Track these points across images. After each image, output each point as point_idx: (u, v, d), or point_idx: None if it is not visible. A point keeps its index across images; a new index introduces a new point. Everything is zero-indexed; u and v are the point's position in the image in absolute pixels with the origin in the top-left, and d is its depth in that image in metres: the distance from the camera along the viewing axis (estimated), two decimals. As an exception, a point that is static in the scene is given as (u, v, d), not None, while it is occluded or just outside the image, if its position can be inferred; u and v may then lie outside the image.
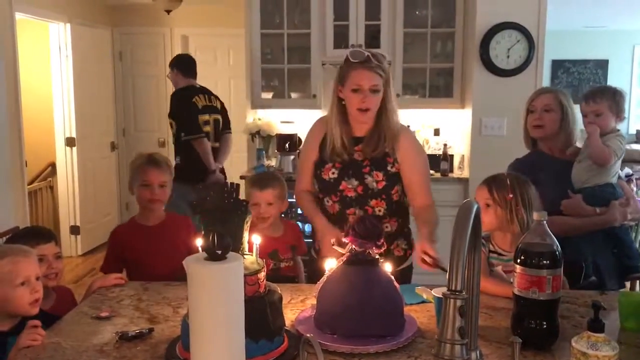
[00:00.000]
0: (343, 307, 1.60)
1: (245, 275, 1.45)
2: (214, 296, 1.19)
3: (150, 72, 6.61)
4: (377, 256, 1.67)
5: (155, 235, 2.48)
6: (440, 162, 4.66)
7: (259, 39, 4.78)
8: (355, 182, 2.26)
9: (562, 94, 2.58)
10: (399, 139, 2.26)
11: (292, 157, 4.77)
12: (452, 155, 4.79)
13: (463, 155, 4.73)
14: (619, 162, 2.42)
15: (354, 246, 1.66)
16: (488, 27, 4.37)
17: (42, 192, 5.77)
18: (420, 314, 1.81)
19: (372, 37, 4.71)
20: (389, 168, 2.26)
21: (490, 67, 4.39)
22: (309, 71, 4.79)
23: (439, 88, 4.87)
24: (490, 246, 2.09)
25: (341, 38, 4.72)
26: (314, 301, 1.78)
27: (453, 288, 0.97)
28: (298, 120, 4.96)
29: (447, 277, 0.98)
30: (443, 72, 4.85)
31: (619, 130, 2.44)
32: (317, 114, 5.01)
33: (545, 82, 8.90)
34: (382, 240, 1.65)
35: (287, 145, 4.78)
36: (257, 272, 1.51)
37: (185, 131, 4.48)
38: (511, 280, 2.00)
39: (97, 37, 6.21)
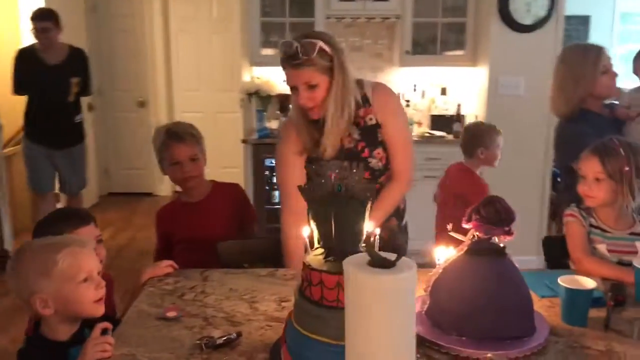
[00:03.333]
0: (473, 306, 1.37)
1: None
2: (384, 313, 0.95)
3: (128, 26, 6.13)
4: (501, 244, 1.45)
5: (203, 211, 2.26)
6: (453, 123, 4.45)
7: (258, -11, 4.41)
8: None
9: None
10: (374, 98, 1.98)
11: (295, 118, 4.47)
12: (463, 116, 4.58)
13: (476, 116, 4.52)
14: None
15: (477, 233, 1.42)
16: (507, -21, 4.12)
17: (17, 157, 5.31)
18: (535, 306, 1.60)
19: (381, -12, 4.40)
20: (379, 138, 2.01)
21: (509, 21, 4.14)
22: (312, 26, 4.44)
23: (449, 44, 4.62)
24: (592, 220, 1.89)
25: (348, -11, 4.39)
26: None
27: None
28: (301, 79, 4.64)
29: None
30: (454, 27, 4.59)
31: None
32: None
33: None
34: (511, 226, 1.42)
35: (290, 106, 4.46)
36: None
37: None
38: (615, 261, 1.84)
39: (68, -13, 5.67)
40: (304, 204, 1.97)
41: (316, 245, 1.32)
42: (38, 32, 4.10)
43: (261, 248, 2.19)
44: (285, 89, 4.55)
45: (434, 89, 4.75)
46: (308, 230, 1.32)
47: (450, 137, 4.42)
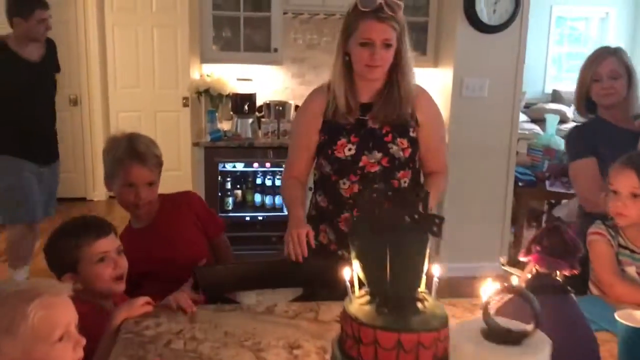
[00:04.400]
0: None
1: (424, 331, 0.97)
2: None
3: (58, 16, 5.54)
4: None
5: (159, 232, 1.97)
6: (416, 126, 4.27)
7: (208, -21, 4.07)
8: (379, 155, 1.94)
9: (625, 54, 2.31)
10: (418, 99, 2.00)
11: (250, 120, 4.17)
12: (422, 118, 4.41)
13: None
14: None
15: (536, 266, 1.21)
16: (472, -22, 3.98)
17: None
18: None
19: (340, -17, 4.16)
20: (411, 133, 1.97)
21: (475, 22, 4.01)
22: (268, 21, 4.16)
23: (411, 44, 4.43)
24: (621, 240, 1.73)
25: (304, -17, 4.13)
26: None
27: None
28: (256, 78, 4.34)
29: None
30: (416, 27, 4.41)
31: None
32: (278, 71, 4.46)
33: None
34: (577, 259, 1.21)
35: (245, 106, 4.16)
36: (443, 326, 1.01)
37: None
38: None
39: (-10, -29, 5.11)
40: (306, 170, 2.04)
41: (358, 291, 1.07)
42: (37, 23, 3.40)
43: (246, 272, 1.91)
44: (239, 89, 4.29)
45: (393, 90, 4.56)
46: (349, 272, 1.07)
47: (413, 140, 4.24)
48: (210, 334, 1.43)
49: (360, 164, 1.93)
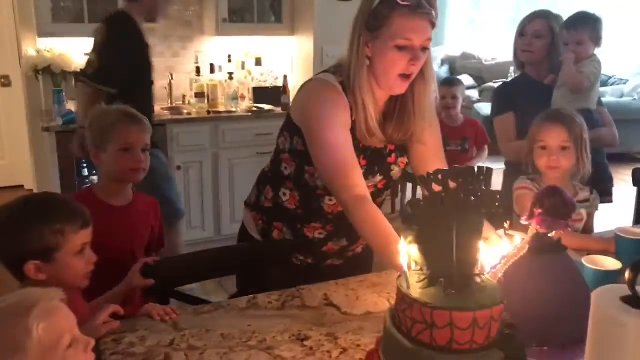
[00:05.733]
0: (557, 310, 1.24)
1: (494, 305, 1.00)
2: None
3: None
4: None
5: (128, 219, 1.81)
6: (281, 95, 4.25)
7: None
8: (379, 177, 1.71)
9: (555, 20, 2.55)
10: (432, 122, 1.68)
11: (105, 98, 3.81)
12: (284, 87, 4.40)
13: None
14: (596, 87, 2.48)
15: (538, 227, 1.28)
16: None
17: None
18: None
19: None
20: (407, 145, 1.74)
21: (331, -11, 4.05)
22: (112, -12, 3.80)
23: (266, 12, 4.37)
24: None
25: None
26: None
27: None
28: (107, 52, 3.96)
29: None
30: (269, -6, 4.35)
31: (594, 55, 2.47)
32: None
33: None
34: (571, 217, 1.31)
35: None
36: (503, 297, 1.04)
37: None
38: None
39: None
40: (362, 175, 1.56)
41: (416, 274, 1.05)
42: None
43: (199, 262, 1.79)
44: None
45: (249, 60, 4.47)
46: (406, 257, 1.04)
47: (279, 109, 4.21)
48: (207, 340, 1.31)
49: None
